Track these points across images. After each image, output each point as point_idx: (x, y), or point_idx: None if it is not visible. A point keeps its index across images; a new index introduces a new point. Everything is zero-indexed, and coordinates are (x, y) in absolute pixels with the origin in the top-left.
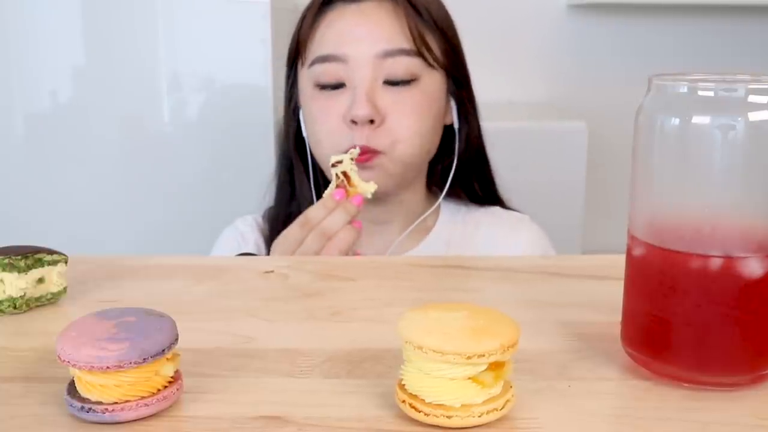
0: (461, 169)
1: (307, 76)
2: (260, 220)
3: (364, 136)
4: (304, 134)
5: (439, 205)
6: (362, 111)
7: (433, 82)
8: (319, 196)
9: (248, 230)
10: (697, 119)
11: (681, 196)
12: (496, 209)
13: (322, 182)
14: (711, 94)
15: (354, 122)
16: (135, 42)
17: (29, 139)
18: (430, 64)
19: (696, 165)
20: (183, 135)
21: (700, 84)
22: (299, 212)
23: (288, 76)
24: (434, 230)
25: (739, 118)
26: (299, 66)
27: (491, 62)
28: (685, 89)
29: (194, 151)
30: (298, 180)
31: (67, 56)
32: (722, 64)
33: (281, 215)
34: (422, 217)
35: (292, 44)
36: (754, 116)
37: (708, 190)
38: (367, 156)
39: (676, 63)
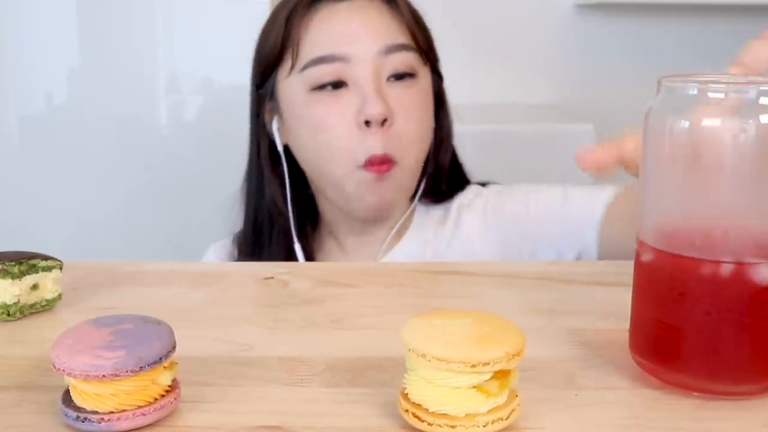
0: (435, 171)
1: (298, 82)
2: (229, 244)
3: (380, 142)
4: (279, 148)
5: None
6: (377, 109)
7: (427, 78)
8: (295, 216)
9: (221, 257)
10: (707, 121)
11: (691, 200)
12: (460, 195)
13: (293, 200)
14: (721, 96)
15: (367, 123)
16: (132, 42)
17: (23, 142)
18: (424, 60)
19: (706, 168)
20: (181, 137)
21: (711, 86)
22: (270, 234)
23: (258, 88)
24: (409, 231)
25: (750, 121)
26: (280, 75)
27: (497, 63)
28: (695, 91)
29: (193, 153)
30: (272, 196)
31: (62, 56)
32: None
33: (249, 238)
34: (401, 221)
35: (270, 52)
36: (766, 118)
37: (719, 194)
38: (386, 166)
39: (686, 64)
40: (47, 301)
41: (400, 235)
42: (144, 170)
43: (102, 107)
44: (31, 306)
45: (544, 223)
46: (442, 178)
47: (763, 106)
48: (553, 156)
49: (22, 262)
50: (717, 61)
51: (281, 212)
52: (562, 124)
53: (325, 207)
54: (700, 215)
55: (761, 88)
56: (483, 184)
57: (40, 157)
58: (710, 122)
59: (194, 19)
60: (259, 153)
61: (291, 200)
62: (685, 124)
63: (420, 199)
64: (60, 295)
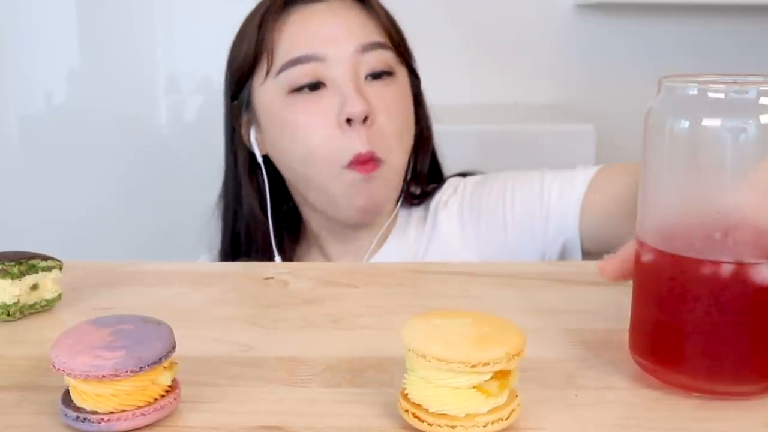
0: (415, 172)
1: (274, 86)
2: (216, 256)
3: (364, 140)
4: (259, 159)
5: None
6: (358, 107)
7: (404, 77)
8: (274, 228)
9: None
10: (707, 122)
11: (691, 201)
12: (438, 192)
13: (271, 209)
14: (721, 96)
15: (348, 122)
16: (132, 42)
17: (23, 142)
18: (400, 60)
19: (706, 168)
20: (181, 137)
21: (711, 86)
22: (248, 247)
23: (233, 99)
24: (392, 235)
25: (750, 121)
26: (256, 82)
27: (497, 63)
28: (695, 91)
29: (192, 153)
30: (250, 208)
31: (62, 56)
32: (733, 65)
33: (228, 251)
34: (385, 226)
35: (243, 60)
36: (766, 119)
37: (719, 194)
38: (372, 164)
39: (687, 64)
40: (47, 301)
41: (384, 239)
42: (144, 170)
43: (102, 107)
44: (31, 306)
45: (522, 221)
46: (422, 179)
47: (763, 105)
48: (554, 156)
49: (22, 262)
50: (717, 61)
51: (260, 224)
52: (563, 124)
53: (309, 217)
54: (700, 215)
55: (761, 88)
56: (464, 174)
57: (40, 157)
58: (710, 122)
59: (194, 19)
60: (236, 165)
61: (270, 212)
62: (685, 123)
63: (402, 203)
64: (60, 295)
